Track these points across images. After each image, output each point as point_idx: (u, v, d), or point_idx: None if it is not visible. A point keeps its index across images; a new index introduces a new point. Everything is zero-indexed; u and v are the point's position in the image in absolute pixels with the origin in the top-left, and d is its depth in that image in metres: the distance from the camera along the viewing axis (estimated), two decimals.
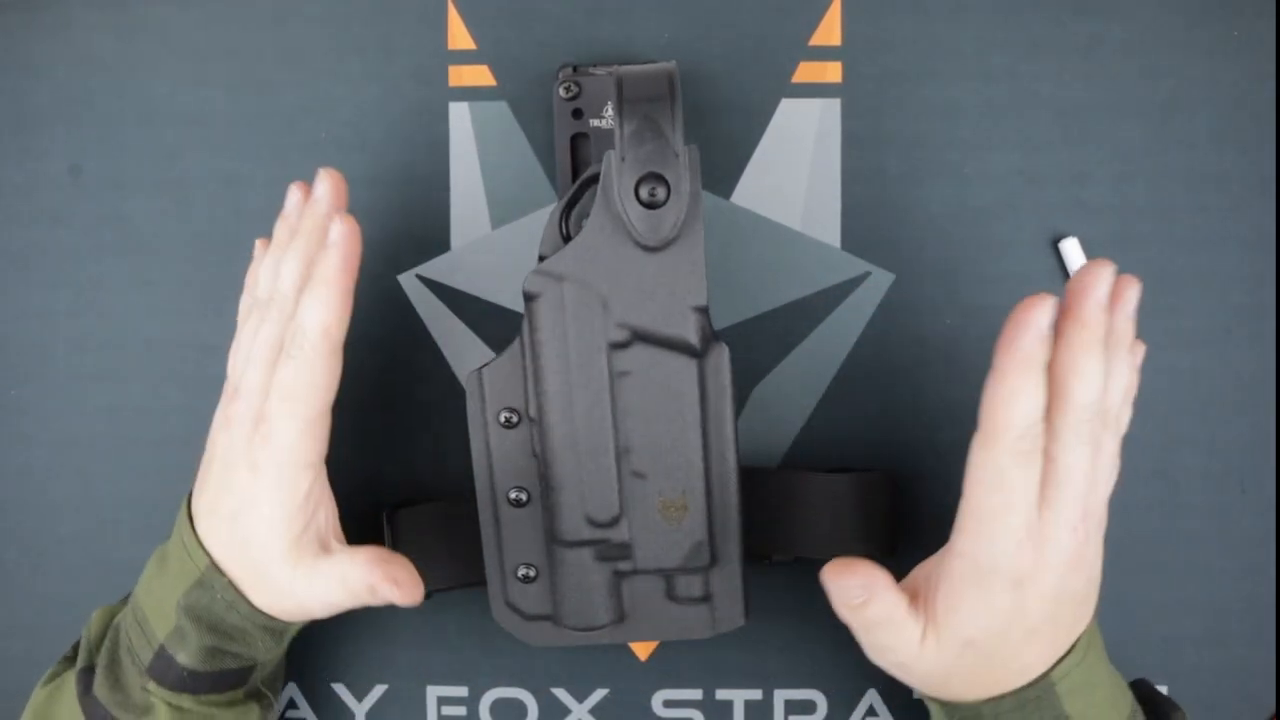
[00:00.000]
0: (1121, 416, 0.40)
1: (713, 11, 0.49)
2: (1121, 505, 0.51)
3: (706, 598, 0.45)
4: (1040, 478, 0.38)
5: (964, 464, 0.50)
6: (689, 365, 0.42)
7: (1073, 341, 0.38)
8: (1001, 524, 0.38)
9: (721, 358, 0.43)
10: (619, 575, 0.44)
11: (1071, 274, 0.50)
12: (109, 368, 0.51)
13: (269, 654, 0.44)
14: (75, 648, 0.47)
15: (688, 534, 0.43)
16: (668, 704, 0.51)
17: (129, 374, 0.51)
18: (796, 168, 0.50)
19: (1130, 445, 0.50)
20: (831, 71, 0.50)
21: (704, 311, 0.42)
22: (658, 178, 0.40)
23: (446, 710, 0.51)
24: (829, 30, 0.49)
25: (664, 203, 0.40)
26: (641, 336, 0.42)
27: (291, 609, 0.43)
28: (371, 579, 0.42)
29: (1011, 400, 0.37)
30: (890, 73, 0.49)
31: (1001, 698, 0.40)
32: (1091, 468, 0.39)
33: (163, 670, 0.43)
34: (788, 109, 0.50)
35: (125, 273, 0.50)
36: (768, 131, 0.50)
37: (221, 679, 0.43)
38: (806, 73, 0.50)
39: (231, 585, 0.42)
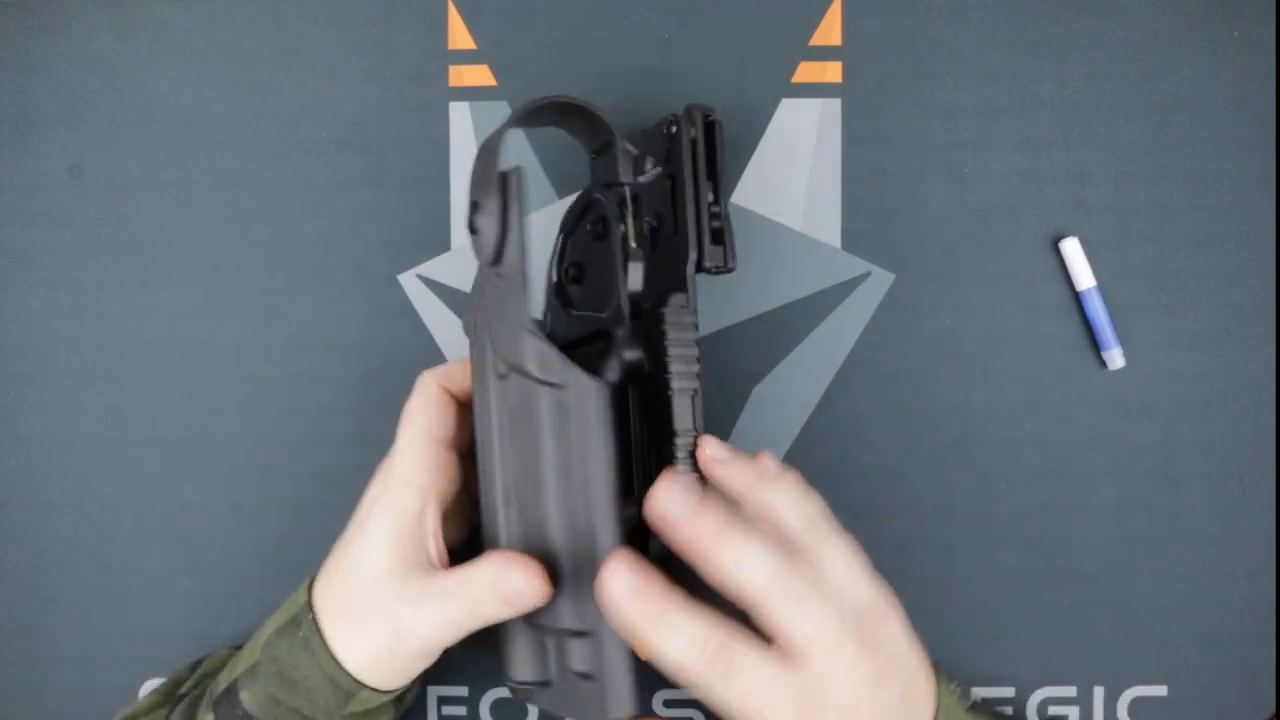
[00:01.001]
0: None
1: (713, 12, 0.49)
2: (1121, 505, 0.51)
3: (589, 675, 0.40)
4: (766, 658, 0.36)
5: (963, 464, 0.50)
6: (546, 397, 0.39)
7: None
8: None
9: (583, 391, 0.39)
10: (538, 629, 0.42)
11: (1072, 274, 0.50)
12: (109, 368, 0.51)
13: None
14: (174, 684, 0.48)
15: (564, 592, 0.40)
16: (668, 704, 0.51)
17: (129, 374, 0.51)
18: (796, 168, 0.50)
19: (1130, 445, 0.51)
20: (831, 71, 0.50)
21: (537, 334, 0.39)
22: (475, 205, 0.40)
23: (446, 710, 0.51)
24: (829, 30, 0.49)
25: (482, 229, 0.40)
26: (513, 367, 0.40)
27: (385, 646, 0.41)
28: (496, 569, 0.39)
29: (662, 652, 0.36)
30: (890, 73, 0.49)
31: None
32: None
33: (227, 706, 0.42)
34: (788, 109, 0.50)
35: (125, 273, 0.50)
36: (768, 131, 0.50)
37: None
38: (806, 73, 0.50)
39: (315, 622, 0.41)
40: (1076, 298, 0.50)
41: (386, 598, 0.40)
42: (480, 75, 0.50)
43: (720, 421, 0.50)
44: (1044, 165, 0.50)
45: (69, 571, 0.51)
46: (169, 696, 0.47)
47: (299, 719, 0.42)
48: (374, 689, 0.42)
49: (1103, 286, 0.50)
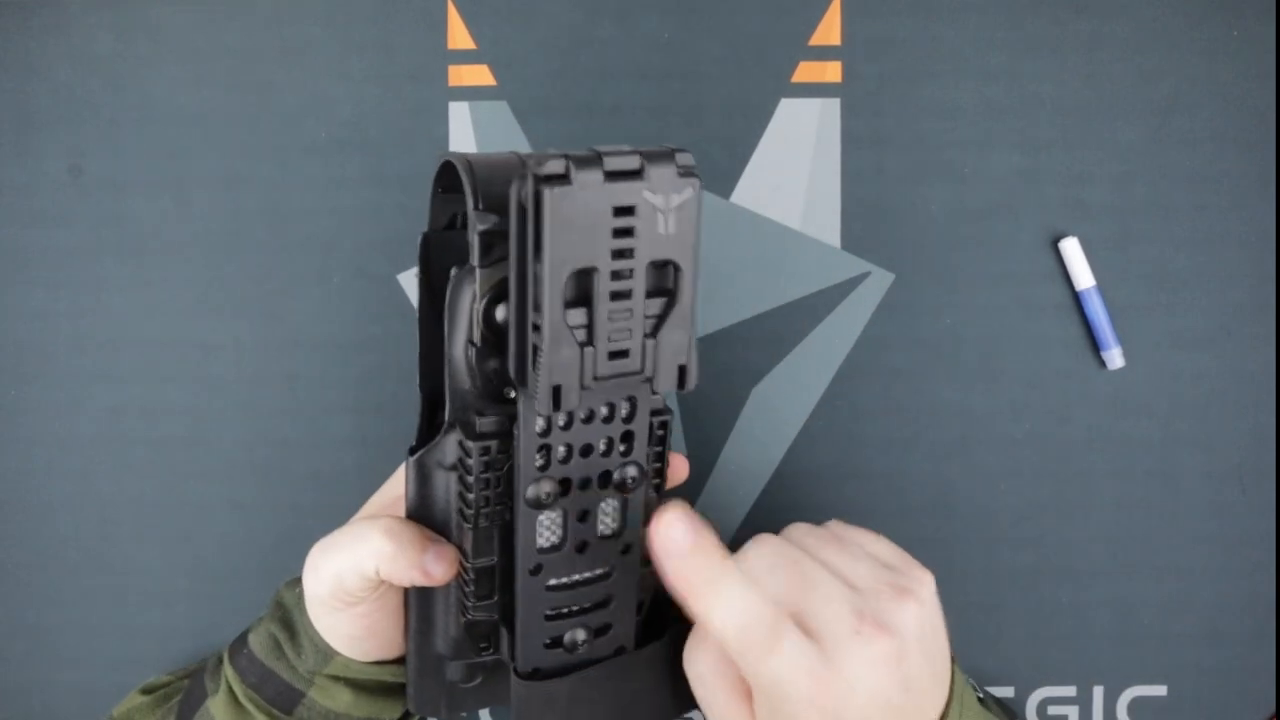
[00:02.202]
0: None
1: (712, 11, 0.49)
2: (1121, 505, 0.51)
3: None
4: None
5: (963, 464, 0.50)
6: None
7: None
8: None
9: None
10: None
11: (1072, 274, 0.50)
12: (109, 368, 0.51)
13: (312, 687, 0.42)
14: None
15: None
16: None
17: (129, 374, 0.51)
18: (796, 168, 0.50)
19: (1131, 445, 0.51)
20: (831, 71, 0.50)
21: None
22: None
23: None
24: (829, 30, 0.49)
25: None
26: None
27: (308, 586, 0.40)
28: (392, 523, 0.38)
29: (711, 619, 0.35)
30: (890, 73, 0.49)
31: None
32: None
33: (237, 647, 0.43)
34: (788, 109, 0.50)
35: (125, 273, 0.50)
36: (768, 131, 0.50)
37: (267, 683, 0.42)
38: (806, 73, 0.50)
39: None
40: (1076, 298, 0.50)
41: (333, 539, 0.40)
42: (480, 75, 0.50)
43: (720, 421, 0.50)
44: (1044, 165, 0.50)
45: (69, 571, 0.51)
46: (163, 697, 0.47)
47: (287, 670, 0.42)
48: (346, 656, 0.41)
49: (1103, 286, 0.50)
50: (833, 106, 0.50)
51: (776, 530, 0.51)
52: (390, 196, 0.50)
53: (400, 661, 0.42)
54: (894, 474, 0.51)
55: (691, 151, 0.50)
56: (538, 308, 0.31)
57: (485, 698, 0.42)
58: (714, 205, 0.50)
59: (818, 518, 0.51)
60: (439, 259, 0.38)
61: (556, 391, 0.32)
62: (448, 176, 0.37)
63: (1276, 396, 0.50)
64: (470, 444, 0.35)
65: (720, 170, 0.50)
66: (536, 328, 0.31)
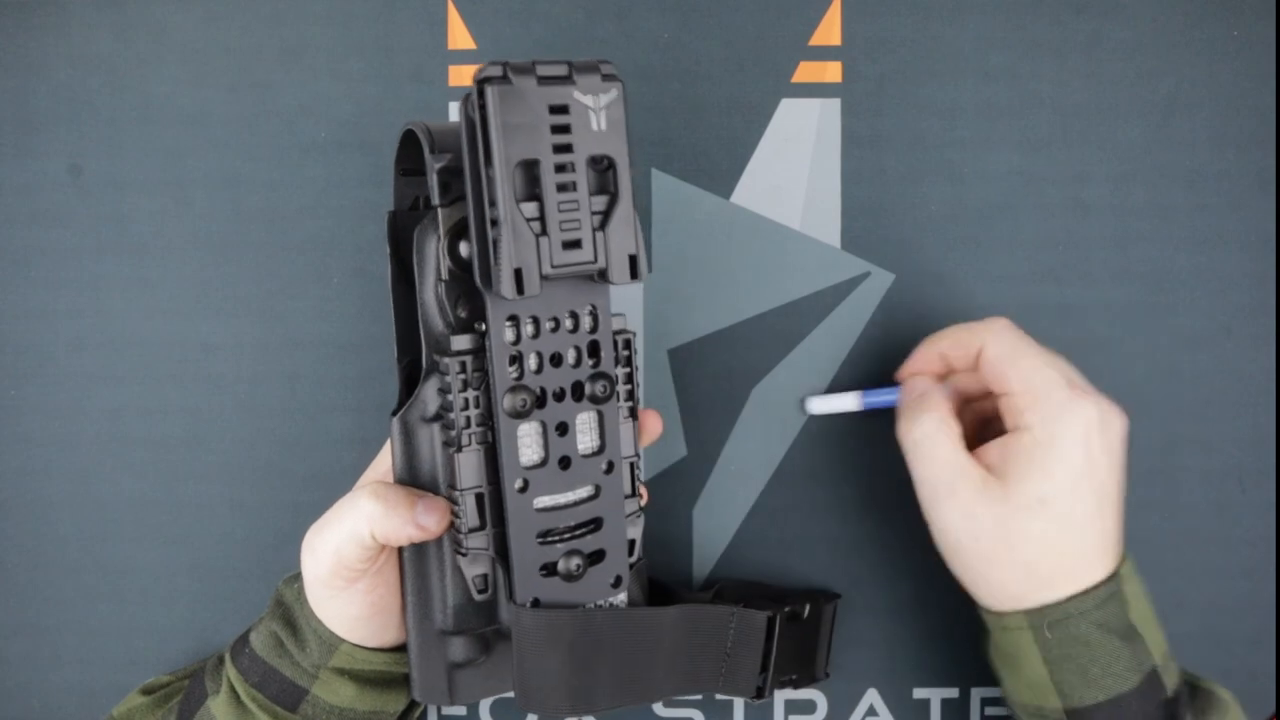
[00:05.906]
0: None
1: (712, 11, 0.49)
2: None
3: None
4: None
5: None
6: None
7: None
8: (1054, 393, 0.41)
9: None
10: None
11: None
12: (109, 368, 0.51)
13: (315, 682, 0.42)
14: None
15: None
16: (668, 703, 0.51)
17: (129, 374, 0.51)
18: (796, 168, 0.50)
19: (1130, 445, 0.51)
20: (831, 71, 0.50)
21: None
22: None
23: (447, 710, 0.51)
24: (829, 30, 0.50)
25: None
26: None
27: (307, 568, 0.41)
28: (381, 488, 0.39)
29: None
30: (890, 73, 0.50)
31: (1087, 592, 0.41)
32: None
33: (239, 647, 0.43)
34: (788, 109, 0.50)
35: (125, 273, 0.50)
36: (768, 131, 0.50)
37: (270, 681, 0.42)
38: (806, 73, 0.50)
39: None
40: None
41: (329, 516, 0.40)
42: None
43: (720, 421, 0.50)
44: (1044, 165, 0.50)
45: (69, 571, 0.51)
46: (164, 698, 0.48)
47: (290, 668, 0.42)
48: (352, 644, 0.42)
49: (1103, 286, 0.50)
50: (833, 106, 0.50)
51: (776, 530, 0.51)
52: (390, 197, 0.50)
53: (404, 649, 0.42)
54: (894, 474, 0.50)
55: (691, 151, 0.51)
56: (493, 202, 0.34)
57: (489, 684, 0.42)
58: (714, 205, 0.50)
59: (817, 518, 0.51)
60: (406, 236, 0.41)
61: (519, 275, 0.34)
62: (407, 160, 0.40)
63: (1276, 396, 0.50)
64: (447, 361, 0.37)
65: (720, 170, 0.50)
66: (494, 223, 0.34)
